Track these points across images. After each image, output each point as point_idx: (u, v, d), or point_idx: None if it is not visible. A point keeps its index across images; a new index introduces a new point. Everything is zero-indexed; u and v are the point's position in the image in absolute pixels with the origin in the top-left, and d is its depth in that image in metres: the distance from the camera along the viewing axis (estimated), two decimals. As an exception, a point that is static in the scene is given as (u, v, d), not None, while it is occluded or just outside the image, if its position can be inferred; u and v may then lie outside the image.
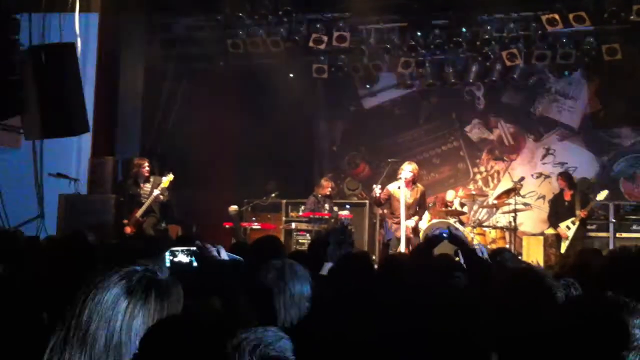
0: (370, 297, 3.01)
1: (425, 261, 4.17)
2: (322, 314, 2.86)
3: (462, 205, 11.76)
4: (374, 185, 9.33)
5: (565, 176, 10.83)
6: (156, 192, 9.63)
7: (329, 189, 11.55)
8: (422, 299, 2.63)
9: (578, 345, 1.87)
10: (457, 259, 4.74)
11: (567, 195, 10.51)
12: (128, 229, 9.51)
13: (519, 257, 9.55)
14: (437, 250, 4.58)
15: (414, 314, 2.42)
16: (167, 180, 9.70)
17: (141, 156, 10.52)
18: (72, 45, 8.45)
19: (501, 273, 2.75)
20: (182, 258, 3.09)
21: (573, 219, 10.23)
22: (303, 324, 2.79)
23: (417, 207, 9.42)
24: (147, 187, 9.78)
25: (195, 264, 3.04)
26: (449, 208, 11.31)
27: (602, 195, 10.32)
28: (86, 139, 9.52)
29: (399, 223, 9.21)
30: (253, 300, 2.77)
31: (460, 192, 11.94)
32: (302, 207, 11.70)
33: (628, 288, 2.85)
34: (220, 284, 2.81)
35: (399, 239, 9.21)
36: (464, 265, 4.21)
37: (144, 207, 9.62)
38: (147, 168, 9.83)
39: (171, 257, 3.04)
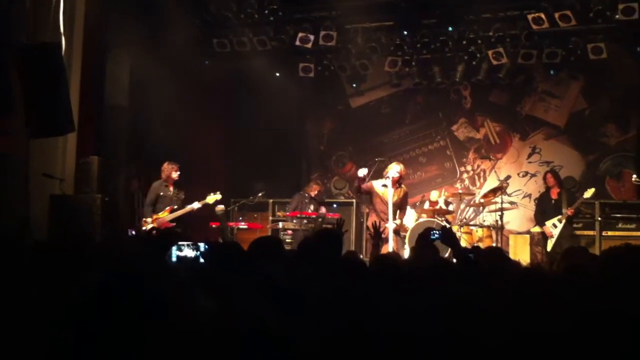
0: (366, 300, 2.99)
1: (422, 261, 4.16)
2: (315, 315, 2.84)
3: (447, 204, 11.79)
4: (361, 169, 9.16)
5: (554, 174, 10.84)
6: (197, 205, 9.93)
7: (316, 192, 11.65)
8: (422, 301, 2.62)
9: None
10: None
11: (554, 194, 10.54)
12: (147, 224, 9.71)
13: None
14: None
15: (413, 317, 2.41)
16: (213, 198, 10.04)
17: (128, 155, 10.55)
18: (58, 45, 8.37)
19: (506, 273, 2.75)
20: (188, 252, 3.08)
21: (560, 217, 10.27)
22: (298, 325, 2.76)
23: (399, 208, 9.37)
24: (172, 191, 10.04)
25: (201, 259, 3.03)
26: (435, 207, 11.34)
27: (589, 193, 10.36)
28: (71, 139, 9.42)
29: (383, 221, 9.16)
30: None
31: (444, 193, 11.97)
32: (288, 206, 11.72)
33: (623, 287, 2.86)
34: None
35: (380, 235, 9.14)
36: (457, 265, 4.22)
37: (177, 214, 9.85)
38: (178, 172, 10.07)
39: (178, 252, 3.02)
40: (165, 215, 9.83)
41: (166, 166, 10.09)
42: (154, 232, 9.51)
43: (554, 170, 11.17)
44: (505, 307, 2.44)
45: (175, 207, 9.93)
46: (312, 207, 11.41)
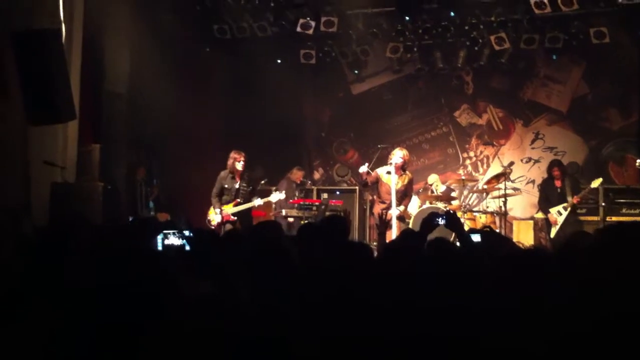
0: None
1: (420, 246, 4.11)
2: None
3: (450, 190, 11.72)
4: (362, 167, 9.26)
5: (560, 166, 10.70)
6: (259, 202, 9.66)
7: (300, 179, 11.65)
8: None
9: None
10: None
11: (558, 182, 10.47)
12: (215, 215, 9.58)
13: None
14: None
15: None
16: (277, 197, 9.90)
17: (128, 142, 10.48)
18: (57, 31, 8.30)
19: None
20: (174, 240, 3.04)
21: (565, 204, 10.22)
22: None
23: (404, 195, 9.35)
24: (239, 183, 9.63)
25: (187, 247, 2.99)
26: (433, 193, 11.29)
27: (596, 183, 10.31)
28: (72, 127, 9.37)
29: (386, 209, 9.17)
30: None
31: (446, 181, 11.88)
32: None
33: (614, 263, 2.82)
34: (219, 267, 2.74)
35: (386, 224, 9.15)
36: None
37: (240, 208, 9.58)
38: (243, 162, 9.56)
39: (164, 239, 2.98)
40: (228, 208, 9.58)
41: (230, 155, 9.59)
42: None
43: (559, 162, 11.00)
44: (500, 282, 2.41)
45: (240, 200, 9.58)
46: (297, 193, 11.43)
